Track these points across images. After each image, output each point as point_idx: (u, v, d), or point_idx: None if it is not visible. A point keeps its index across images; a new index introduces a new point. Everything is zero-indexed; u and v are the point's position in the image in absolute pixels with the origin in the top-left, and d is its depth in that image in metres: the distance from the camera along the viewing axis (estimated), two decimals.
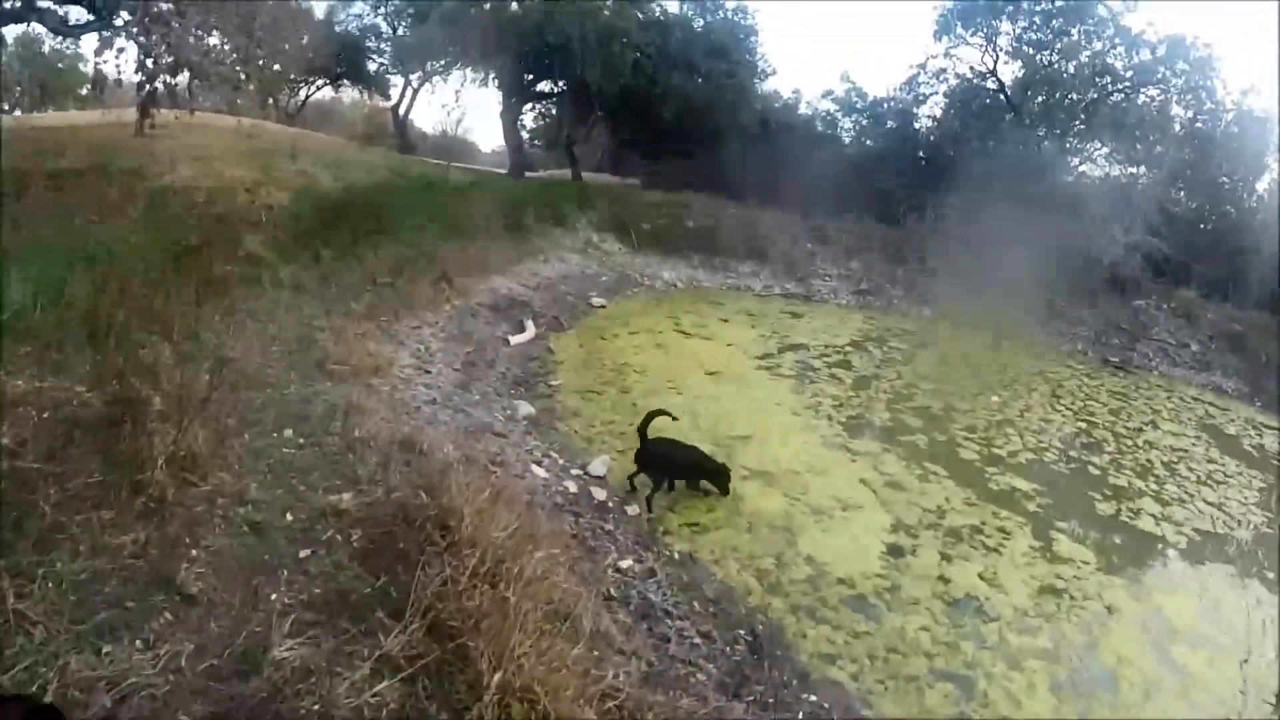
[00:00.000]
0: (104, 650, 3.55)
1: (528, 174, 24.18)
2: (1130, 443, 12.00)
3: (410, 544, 4.78)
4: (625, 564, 6.38)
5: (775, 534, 7.30)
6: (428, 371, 8.74)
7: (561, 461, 7.77)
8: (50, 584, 3.76)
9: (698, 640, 5.69)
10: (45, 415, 4.96)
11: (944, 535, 7.90)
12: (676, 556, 6.75)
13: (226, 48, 10.80)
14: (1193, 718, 5.97)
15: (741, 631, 5.94)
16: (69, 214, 9.63)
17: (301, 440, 5.95)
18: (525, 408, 8.73)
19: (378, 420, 6.66)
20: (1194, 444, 12.70)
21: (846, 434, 10.01)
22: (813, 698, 5.49)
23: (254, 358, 7.24)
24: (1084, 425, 12.44)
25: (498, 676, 3.80)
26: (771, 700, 5.32)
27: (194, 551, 4.38)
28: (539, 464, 7.51)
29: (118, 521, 4.29)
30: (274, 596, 4.24)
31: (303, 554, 4.66)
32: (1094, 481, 10.22)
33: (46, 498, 4.21)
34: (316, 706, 3.52)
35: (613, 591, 5.90)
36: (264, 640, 3.80)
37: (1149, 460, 11.35)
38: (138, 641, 3.69)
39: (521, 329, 11.29)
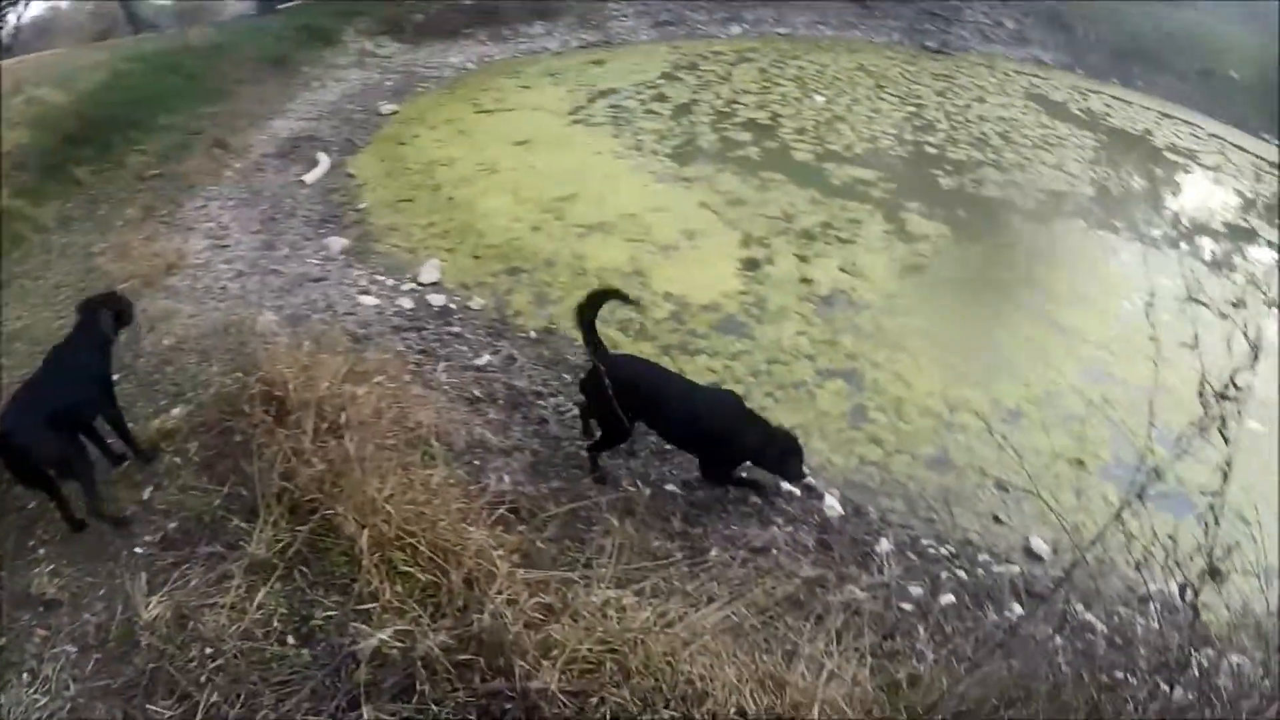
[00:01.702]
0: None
1: (281, 5, 21.56)
2: (961, 119, 12.26)
3: (245, 433, 4.50)
4: (482, 360, 6.04)
5: (627, 281, 7.01)
6: (225, 247, 7.97)
7: (390, 282, 7.23)
8: None
9: (576, 411, 5.47)
10: None
11: (796, 238, 7.87)
12: (533, 335, 6.45)
13: None
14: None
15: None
16: None
17: (115, 377, 5.27)
18: (338, 242, 7.99)
19: (184, 320, 6.22)
20: (1023, 113, 13.13)
21: (676, 165, 9.69)
22: None
23: (43, 315, 6.57)
24: (913, 110, 12.56)
25: (366, 534, 3.54)
26: (667, 446, 5.20)
27: (40, 550, 4.15)
28: (366, 293, 6.96)
29: None
30: (131, 552, 4.04)
31: (146, 495, 4.43)
32: (933, 160, 10.41)
33: None
34: (208, 650, 3.38)
35: (477, 392, 5.59)
36: (132, 606, 3.62)
37: (983, 133, 11.65)
38: (24, 675, 3.47)
39: (314, 164, 10.24)
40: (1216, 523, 2.61)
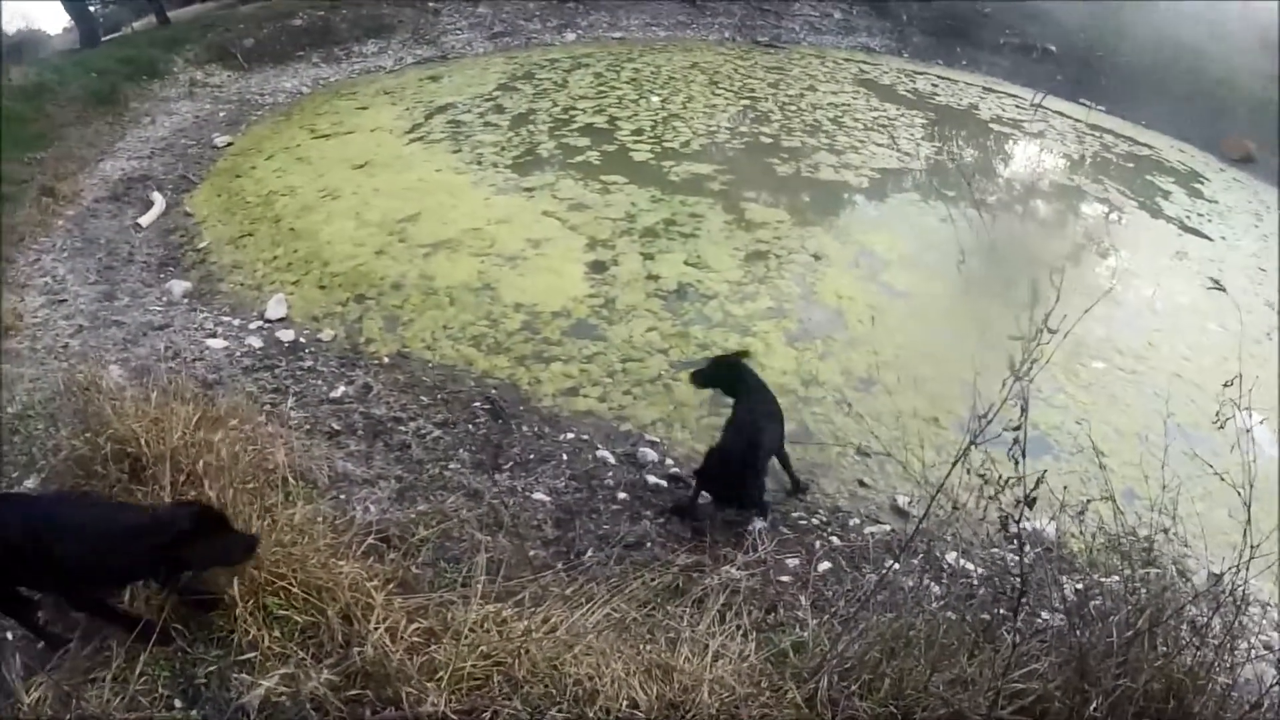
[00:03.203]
0: None
1: (108, 38, 20.44)
2: (794, 108, 12.72)
3: (102, 496, 4.25)
4: (338, 392, 5.95)
5: (477, 296, 7.05)
6: (63, 301, 7.57)
7: (237, 321, 7.03)
8: None
9: (437, 433, 5.44)
10: None
11: (640, 237, 8.06)
12: (387, 360, 6.39)
13: None
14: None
15: (477, 404, 5.75)
16: None
17: None
18: (180, 285, 7.70)
19: (27, 385, 5.89)
20: (854, 98, 13.73)
21: (517, 175, 9.72)
22: (569, 435, 5.51)
23: None
24: (747, 103, 12.96)
25: (236, 582, 3.45)
26: (531, 456, 5.26)
27: None
28: (213, 336, 6.76)
29: None
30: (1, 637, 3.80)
31: None
32: (768, 149, 10.77)
33: None
34: None
35: (336, 425, 5.51)
36: (9, 693, 3.41)
37: (816, 120, 12.12)
38: None
39: (150, 206, 9.79)
40: (1023, 456, 2.81)
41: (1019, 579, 3.08)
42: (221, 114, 14.32)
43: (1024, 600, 3.13)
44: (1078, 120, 14.31)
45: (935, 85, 15.42)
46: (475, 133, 11.34)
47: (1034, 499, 2.85)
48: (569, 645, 3.54)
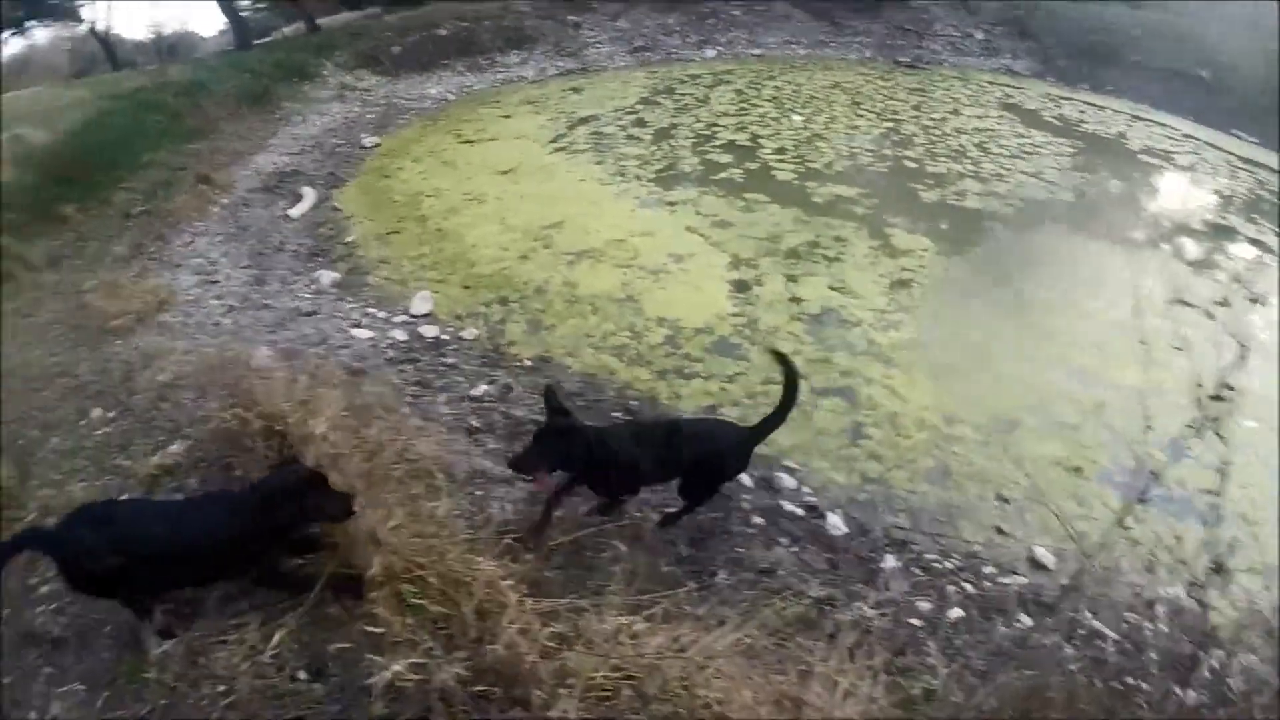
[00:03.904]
0: None
1: (259, 41, 21.63)
2: (938, 132, 12.38)
3: (245, 471, 4.43)
4: (478, 390, 6.00)
5: (619, 306, 7.06)
6: (215, 283, 7.98)
7: (382, 314, 7.23)
8: None
9: None
10: None
11: (784, 258, 7.92)
12: (528, 363, 6.43)
13: None
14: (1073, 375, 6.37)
15: (616, 414, 5.74)
16: None
17: (111, 414, 5.44)
18: (328, 275, 7.99)
19: (179, 357, 6.11)
20: (999, 123, 13.26)
21: (660, 189, 9.76)
22: None
23: (36, 354, 6.61)
24: (890, 125, 12.67)
25: (374, 571, 3.52)
26: None
27: (42, 589, 4.04)
28: (359, 326, 6.97)
29: None
30: None
31: None
32: (913, 174, 10.50)
33: None
34: (220, 687, 3.33)
35: (475, 422, 5.55)
36: (139, 645, 3.54)
37: (960, 145, 11.77)
38: (30, 714, 3.44)
39: (300, 199, 10.25)
40: (1219, 522, 2.62)
41: (1188, 651, 2.89)
42: (370, 116, 14.87)
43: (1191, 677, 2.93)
44: (1231, 153, 13.41)
45: (1082, 111, 14.73)
46: (618, 145, 11.45)
47: (1224, 567, 2.66)
48: (700, 667, 3.47)
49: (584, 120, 12.80)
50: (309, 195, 10.41)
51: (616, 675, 3.32)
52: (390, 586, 3.56)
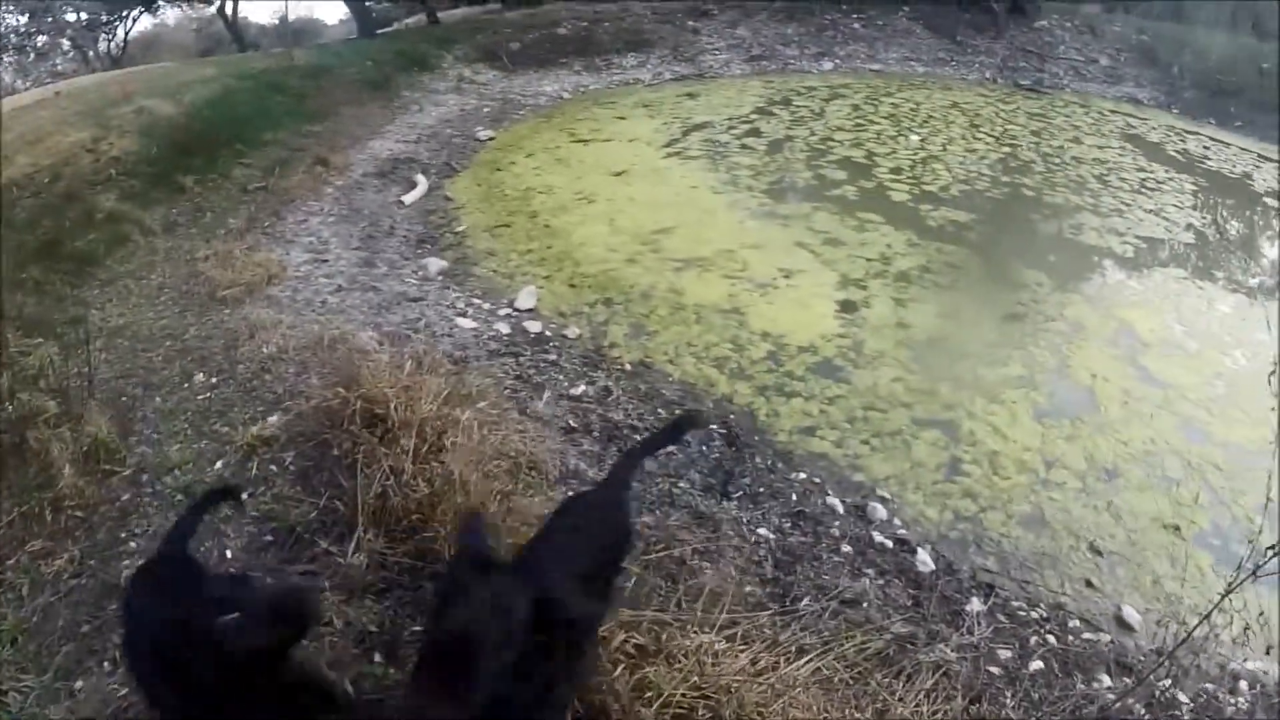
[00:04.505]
0: (77, 688, 3.50)
1: (381, 31, 22.29)
2: (1058, 160, 11.96)
3: (344, 449, 4.53)
4: (578, 390, 6.03)
5: (724, 318, 7.02)
6: (325, 261, 8.19)
7: (487, 306, 7.32)
8: (3, 646, 3.71)
9: (671, 449, 5.42)
10: None
11: (894, 281, 7.76)
12: (629, 368, 6.42)
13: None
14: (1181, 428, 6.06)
15: (714, 427, 5.68)
16: None
17: (213, 380, 5.70)
18: (436, 263, 8.16)
19: (284, 330, 6.34)
20: (1120, 155, 12.73)
21: (772, 201, 9.67)
22: (801, 475, 5.33)
23: (145, 315, 6.92)
24: (1008, 150, 12.31)
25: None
26: (761, 489, 5.15)
27: (132, 543, 4.25)
28: (463, 315, 7.06)
29: (47, 549, 4.21)
30: (222, 554, 4.16)
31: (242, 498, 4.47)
32: (1030, 203, 10.17)
33: None
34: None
35: (572, 422, 5.58)
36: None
37: (1080, 175, 11.34)
38: (105, 664, 3.59)
39: (413, 186, 10.51)
40: None
41: None
42: (485, 110, 15.12)
43: None
44: None
45: (1207, 148, 13.94)
46: (731, 154, 11.39)
47: None
48: (777, 694, 3.45)
49: (698, 127, 12.78)
50: (422, 183, 10.64)
51: (694, 694, 3.32)
52: None
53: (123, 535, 4.29)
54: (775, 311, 7.12)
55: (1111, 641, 4.41)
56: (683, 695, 3.26)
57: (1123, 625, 4.56)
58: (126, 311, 6.98)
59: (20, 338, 6.18)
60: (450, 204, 10.01)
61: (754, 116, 13.41)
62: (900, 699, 3.55)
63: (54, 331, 6.40)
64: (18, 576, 4.01)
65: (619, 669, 3.32)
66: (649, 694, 3.24)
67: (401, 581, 3.83)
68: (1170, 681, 4.10)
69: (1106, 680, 4.06)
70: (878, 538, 4.92)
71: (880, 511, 5.15)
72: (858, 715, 3.42)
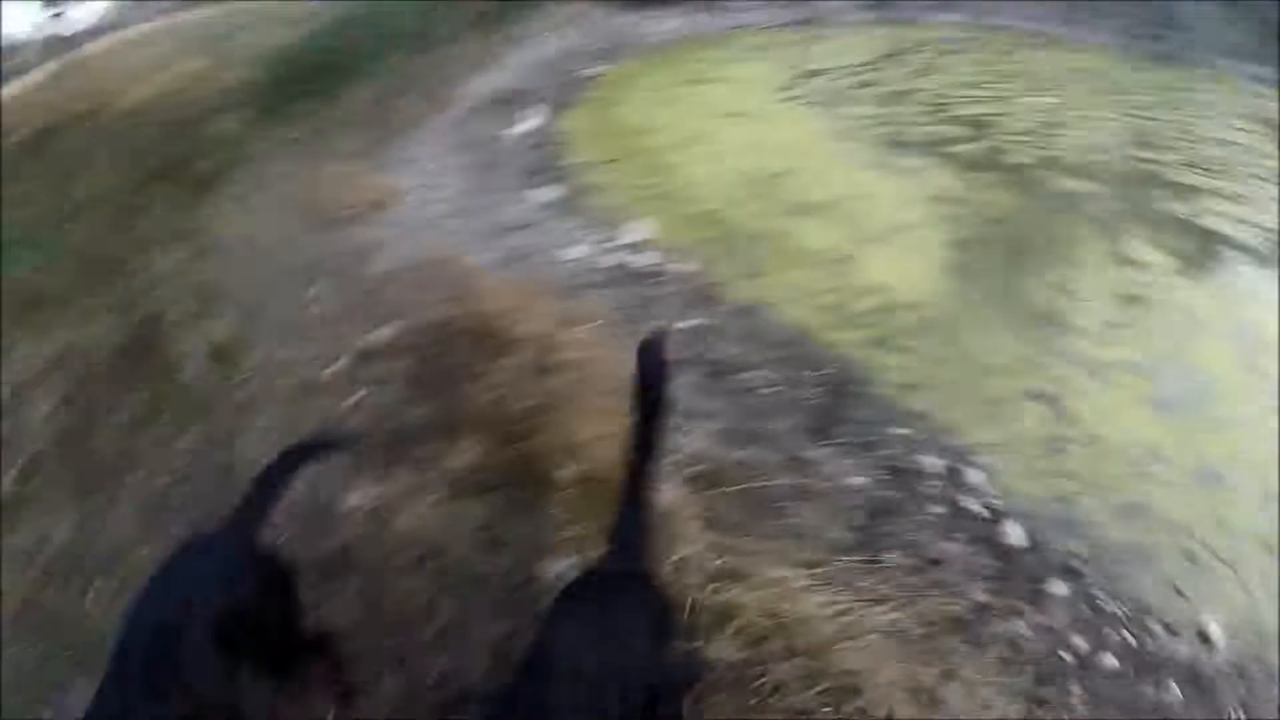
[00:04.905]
0: None
1: None
2: (1187, 138, 11.33)
3: (454, 360, 4.87)
4: (685, 325, 6.09)
5: (834, 267, 6.95)
6: (437, 187, 8.38)
7: (594, 237, 7.38)
8: None
9: (774, 389, 5.46)
10: (81, 373, 5.36)
11: (1007, 246, 7.54)
12: (736, 307, 6.45)
13: None
14: None
15: (818, 372, 5.69)
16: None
17: (329, 292, 6.03)
18: (546, 193, 8.23)
19: (398, 248, 6.66)
20: (1252, 137, 12.02)
21: (888, 153, 9.40)
22: (902, 431, 5.32)
23: (265, 230, 7.24)
24: (1136, 121, 11.71)
25: (569, 470, 3.74)
26: (859, 441, 5.16)
27: (250, 434, 4.59)
28: (572, 245, 7.18)
29: (172, 433, 4.72)
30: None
31: (353, 400, 4.83)
32: (1155, 179, 9.70)
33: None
34: (398, 545, 3.75)
35: (679, 355, 5.69)
36: (332, 495, 3.96)
37: (1209, 155, 10.74)
38: None
39: (524, 118, 10.52)
40: None
41: None
42: (598, 45, 14.89)
43: None
44: None
45: None
46: (847, 102, 11.09)
47: None
48: (851, 636, 3.53)
49: (815, 73, 12.42)
50: (534, 115, 10.63)
51: (770, 622, 3.41)
52: (581, 489, 3.76)
53: (241, 425, 4.58)
54: (885, 264, 7.03)
55: (1190, 653, 4.30)
56: (761, 621, 3.36)
57: (1204, 639, 4.41)
58: (246, 226, 7.31)
59: (146, 247, 6.64)
60: (561, 137, 10.01)
61: (874, 65, 13.00)
62: (969, 665, 3.59)
63: (177, 243, 6.82)
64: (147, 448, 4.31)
65: (707, 588, 3.44)
66: (731, 618, 3.35)
67: (504, 483, 4.04)
68: (1242, 708, 4.03)
69: (1177, 691, 4.02)
70: (970, 503, 4.91)
71: (976, 477, 5.12)
72: (925, 670, 3.48)
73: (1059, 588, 4.46)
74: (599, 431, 4.22)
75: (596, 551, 3.32)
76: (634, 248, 7.19)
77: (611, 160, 9.08)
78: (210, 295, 5.86)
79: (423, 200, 7.95)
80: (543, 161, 9.20)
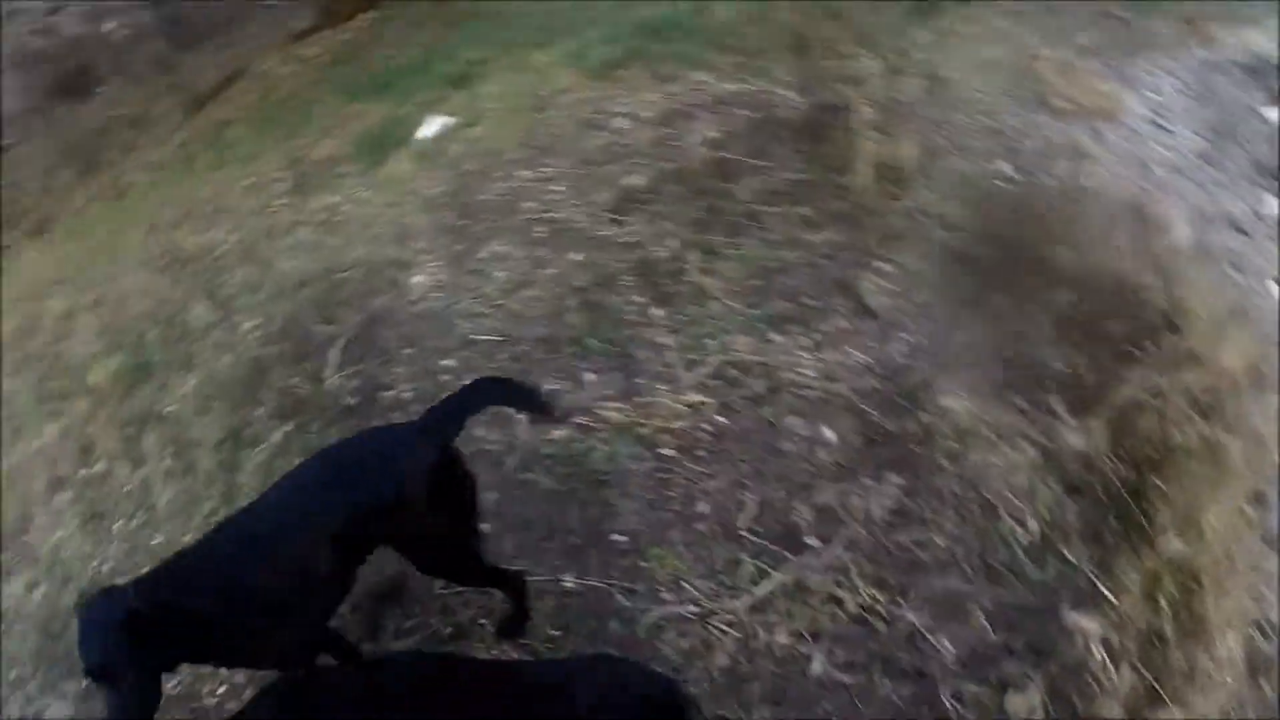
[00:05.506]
0: (769, 337, 3.69)
1: None
2: None
3: (1120, 329, 3.93)
4: None
5: None
6: (1164, 129, 6.88)
7: None
8: (736, 266, 3.97)
9: None
10: (751, 115, 5.04)
11: None
12: None
13: None
14: None
15: None
16: None
17: (1015, 175, 5.35)
18: (1274, 204, 6.74)
19: (1104, 171, 5.65)
20: None
21: None
22: None
23: (968, 81, 6.25)
24: None
25: (1172, 544, 3.05)
26: None
27: (884, 265, 4.10)
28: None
29: (813, 219, 4.30)
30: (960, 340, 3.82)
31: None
32: None
33: (746, 188, 4.36)
34: (963, 470, 3.27)
35: None
36: (930, 380, 3.53)
37: None
38: (803, 338, 3.69)
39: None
40: None
41: None
42: None
43: None
44: None
45: None
46: None
47: None
48: None
49: None
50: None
51: None
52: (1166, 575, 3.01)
53: (879, 252, 4.23)
54: None
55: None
56: None
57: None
58: (952, 67, 6.27)
59: (852, 46, 6.05)
60: None
61: None
62: None
63: (878, 51, 6.12)
64: (775, 225, 4.25)
65: None
66: None
67: (1103, 489, 3.30)
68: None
69: None
70: None
71: None
72: None
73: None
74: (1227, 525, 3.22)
75: None
76: None
77: None
78: (899, 114, 5.25)
79: (1147, 135, 6.33)
80: None
